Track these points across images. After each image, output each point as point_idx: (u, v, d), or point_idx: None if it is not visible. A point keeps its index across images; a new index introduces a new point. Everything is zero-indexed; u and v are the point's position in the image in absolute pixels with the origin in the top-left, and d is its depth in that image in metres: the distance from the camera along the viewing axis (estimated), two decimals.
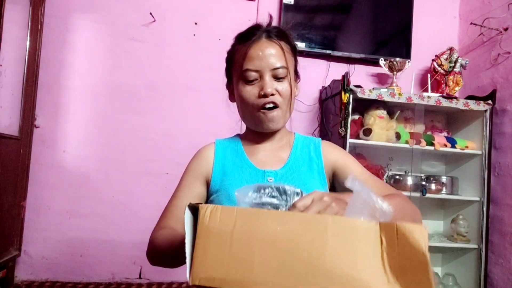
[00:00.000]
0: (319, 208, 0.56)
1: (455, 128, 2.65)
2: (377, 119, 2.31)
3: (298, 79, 0.94)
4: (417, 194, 2.35)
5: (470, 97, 2.47)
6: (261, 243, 0.47)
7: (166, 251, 0.73)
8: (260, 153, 0.90)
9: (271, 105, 0.83)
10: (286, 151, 0.91)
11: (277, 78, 0.83)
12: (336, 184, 0.90)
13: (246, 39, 0.86)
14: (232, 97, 0.94)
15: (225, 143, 0.94)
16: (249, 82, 0.83)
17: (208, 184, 0.89)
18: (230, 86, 0.94)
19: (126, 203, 2.49)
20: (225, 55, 0.94)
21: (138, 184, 2.50)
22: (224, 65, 0.95)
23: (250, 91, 0.83)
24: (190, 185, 0.89)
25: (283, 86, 0.84)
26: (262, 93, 0.82)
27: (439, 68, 2.58)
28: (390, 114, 2.43)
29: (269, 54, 0.83)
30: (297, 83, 0.94)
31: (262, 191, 0.61)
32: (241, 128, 0.99)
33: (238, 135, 0.97)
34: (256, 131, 0.90)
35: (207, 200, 0.90)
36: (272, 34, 0.86)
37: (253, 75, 0.82)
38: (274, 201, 0.60)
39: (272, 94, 0.82)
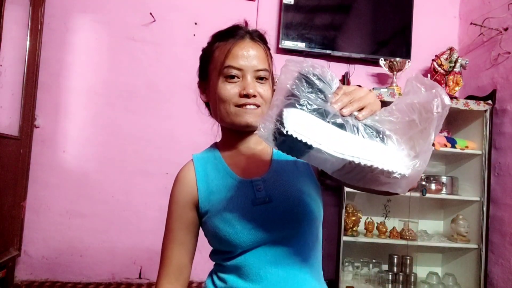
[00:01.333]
0: (362, 94, 0.63)
1: (455, 128, 2.65)
2: None
3: (273, 85, 0.92)
4: (417, 194, 2.35)
5: (470, 97, 2.47)
6: None
7: None
8: (241, 160, 0.86)
9: (252, 107, 0.80)
10: (268, 152, 0.88)
11: (258, 80, 0.82)
12: (329, 182, 0.88)
13: (228, 37, 0.84)
14: (203, 96, 0.91)
15: (203, 158, 0.89)
16: (229, 79, 0.81)
17: (197, 208, 0.85)
18: (202, 84, 0.91)
19: (126, 203, 2.49)
20: None
21: (138, 184, 2.50)
22: None
23: (230, 90, 0.80)
24: (180, 216, 0.86)
25: (265, 88, 0.82)
26: (244, 93, 0.79)
27: (439, 68, 2.58)
28: None
29: (254, 55, 0.81)
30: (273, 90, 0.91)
31: (311, 69, 0.61)
32: (217, 135, 0.95)
33: (215, 144, 0.93)
34: (233, 133, 0.86)
35: (200, 223, 0.86)
36: (255, 36, 0.85)
37: (235, 72, 0.80)
38: (318, 83, 0.61)
39: (254, 96, 0.80)
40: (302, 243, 0.82)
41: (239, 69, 0.80)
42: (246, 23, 0.88)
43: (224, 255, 0.82)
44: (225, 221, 0.79)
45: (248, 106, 0.80)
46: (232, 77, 0.81)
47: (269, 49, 0.88)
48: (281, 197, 0.80)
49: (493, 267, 2.31)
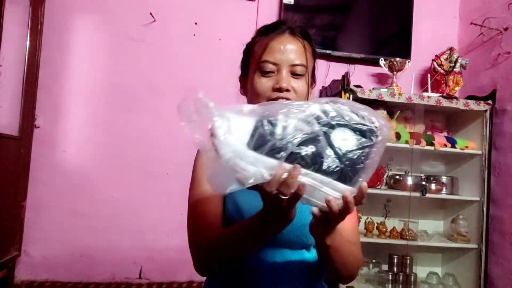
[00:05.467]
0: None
1: (455, 128, 2.65)
2: None
3: (313, 83, 0.92)
4: (417, 194, 2.35)
5: (470, 97, 2.47)
6: None
7: (232, 242, 0.70)
8: None
9: (284, 101, 0.79)
10: None
11: (294, 75, 0.81)
12: None
13: (268, 31, 0.84)
14: (243, 90, 0.92)
15: None
16: (265, 73, 0.81)
17: None
18: (243, 78, 0.91)
19: (126, 203, 2.48)
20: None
21: (138, 184, 2.50)
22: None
23: (265, 83, 0.80)
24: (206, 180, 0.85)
25: (299, 84, 0.81)
26: (277, 87, 0.79)
27: (439, 68, 2.58)
28: (390, 114, 2.43)
29: (291, 50, 0.81)
30: (312, 88, 0.90)
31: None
32: None
33: None
34: None
35: None
36: (296, 31, 0.84)
37: (270, 67, 0.80)
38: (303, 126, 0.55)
39: (287, 90, 0.79)
40: (305, 253, 0.82)
41: (275, 64, 0.80)
42: (295, 21, 0.88)
43: None
44: (235, 206, 0.80)
45: (280, 101, 0.79)
46: (268, 71, 0.80)
47: (311, 46, 0.87)
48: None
49: (493, 267, 2.31)
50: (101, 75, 2.52)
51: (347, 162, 0.55)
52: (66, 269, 2.41)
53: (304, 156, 0.53)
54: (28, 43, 2.25)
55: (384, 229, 2.40)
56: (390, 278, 2.35)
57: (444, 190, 2.48)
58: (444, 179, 2.53)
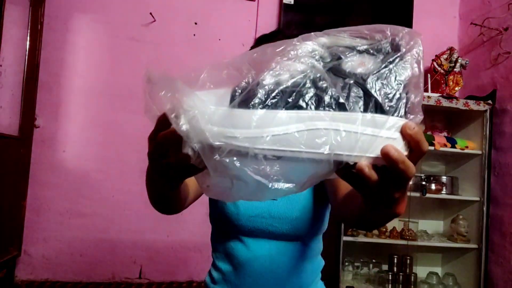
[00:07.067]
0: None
1: (455, 128, 2.65)
2: None
3: None
4: (417, 194, 2.35)
5: (470, 97, 2.47)
6: None
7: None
8: None
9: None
10: None
11: None
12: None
13: (265, 41, 0.87)
14: None
15: None
16: None
17: None
18: None
19: (126, 203, 2.49)
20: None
21: (138, 184, 2.50)
22: None
23: None
24: None
25: None
26: None
27: (439, 68, 2.58)
28: None
29: None
30: None
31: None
32: None
33: None
34: None
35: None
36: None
37: None
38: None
39: None
40: (299, 245, 0.84)
41: None
42: (292, 29, 0.90)
43: (223, 235, 0.85)
44: (233, 203, 0.81)
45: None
46: None
47: None
48: (286, 198, 0.82)
49: (493, 267, 2.31)
50: (101, 75, 2.52)
51: (378, 89, 0.38)
52: (66, 269, 2.41)
53: (317, 97, 0.36)
54: (28, 43, 2.25)
55: (384, 229, 2.40)
56: (390, 278, 2.35)
57: (444, 190, 2.48)
58: (444, 179, 2.53)
